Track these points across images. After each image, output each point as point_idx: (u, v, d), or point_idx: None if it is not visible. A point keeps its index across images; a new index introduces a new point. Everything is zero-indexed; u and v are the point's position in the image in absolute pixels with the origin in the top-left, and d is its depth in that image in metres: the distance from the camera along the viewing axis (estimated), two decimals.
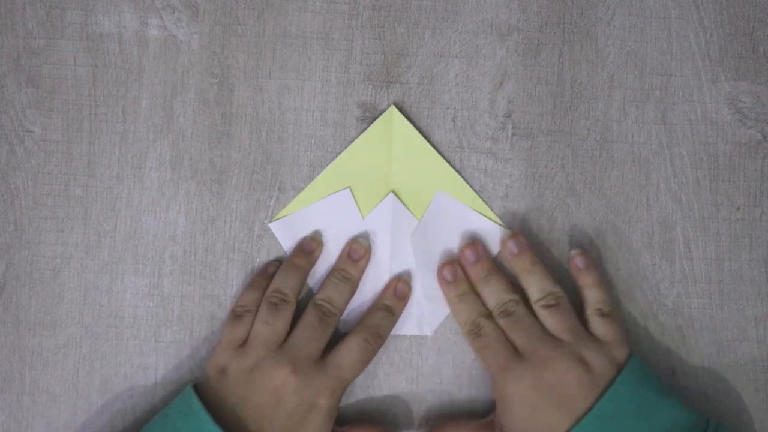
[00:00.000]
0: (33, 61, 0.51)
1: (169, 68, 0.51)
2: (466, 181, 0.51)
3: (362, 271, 0.50)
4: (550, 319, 0.47)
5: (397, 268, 0.50)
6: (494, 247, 0.51)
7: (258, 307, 0.48)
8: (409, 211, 0.50)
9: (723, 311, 0.51)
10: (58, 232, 0.50)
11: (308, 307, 0.48)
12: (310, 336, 0.47)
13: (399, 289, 0.50)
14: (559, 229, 0.51)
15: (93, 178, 0.51)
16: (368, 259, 0.50)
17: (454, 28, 0.51)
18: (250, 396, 0.45)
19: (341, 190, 0.50)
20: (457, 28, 0.51)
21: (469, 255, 0.49)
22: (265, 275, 0.49)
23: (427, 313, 0.50)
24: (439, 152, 0.51)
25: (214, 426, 0.43)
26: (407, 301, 0.50)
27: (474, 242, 0.50)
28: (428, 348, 0.50)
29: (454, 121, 0.51)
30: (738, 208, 0.51)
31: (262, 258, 0.51)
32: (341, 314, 0.49)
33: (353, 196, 0.50)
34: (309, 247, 0.50)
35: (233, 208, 0.51)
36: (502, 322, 0.47)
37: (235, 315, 0.48)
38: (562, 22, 0.52)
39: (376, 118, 0.51)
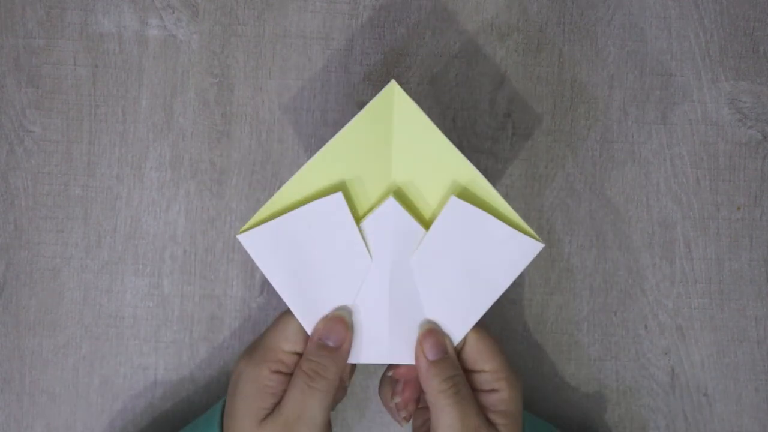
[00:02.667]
0: (33, 61, 0.51)
1: (169, 68, 0.51)
2: (487, 180, 0.42)
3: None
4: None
5: (399, 292, 0.42)
6: (522, 265, 0.42)
7: None
8: (414, 219, 0.42)
9: (723, 311, 0.51)
10: (58, 232, 0.50)
11: None
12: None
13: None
14: (559, 229, 0.51)
15: (93, 178, 0.51)
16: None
17: (454, 28, 0.51)
18: None
19: (332, 194, 0.41)
20: (457, 28, 0.51)
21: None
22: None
23: None
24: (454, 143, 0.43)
25: None
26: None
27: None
28: None
29: (454, 121, 0.51)
30: (738, 208, 0.51)
31: None
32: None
33: (346, 200, 0.41)
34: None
35: (233, 208, 0.51)
36: None
37: None
38: (562, 22, 0.52)
39: None
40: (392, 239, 0.42)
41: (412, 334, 0.42)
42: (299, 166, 0.50)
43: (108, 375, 0.50)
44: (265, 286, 0.51)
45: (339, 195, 0.41)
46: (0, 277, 0.50)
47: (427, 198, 0.42)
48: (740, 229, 0.51)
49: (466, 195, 0.42)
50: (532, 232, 0.41)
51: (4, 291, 0.50)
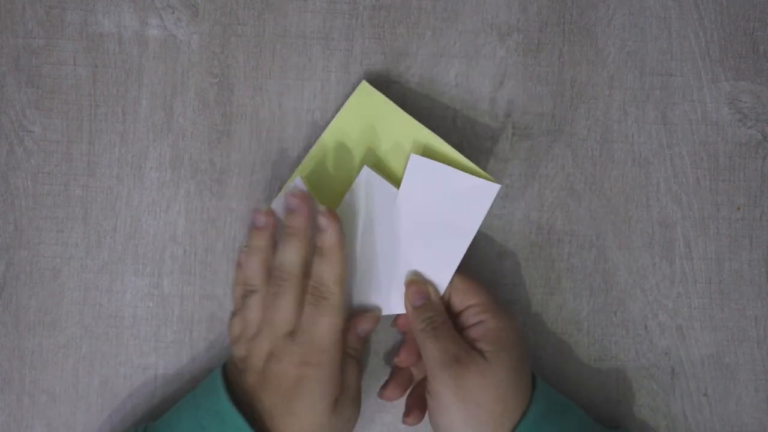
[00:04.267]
0: (33, 61, 0.51)
1: (169, 68, 0.51)
2: (446, 142, 0.48)
3: (306, 219, 0.46)
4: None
5: (385, 245, 0.48)
6: (485, 206, 0.47)
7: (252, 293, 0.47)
8: (388, 182, 0.48)
9: (723, 311, 0.51)
10: (58, 232, 0.50)
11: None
12: (274, 308, 0.45)
13: (298, 209, 0.46)
14: (559, 229, 0.51)
15: (93, 178, 0.51)
16: (309, 206, 0.46)
17: (454, 28, 0.51)
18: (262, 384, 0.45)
19: (295, 179, 0.48)
20: (457, 28, 0.51)
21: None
22: (239, 268, 0.48)
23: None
24: (417, 119, 0.48)
25: (228, 403, 0.43)
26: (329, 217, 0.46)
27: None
28: None
29: (454, 121, 0.51)
30: (738, 208, 0.51)
31: None
32: (301, 275, 0.45)
33: (305, 183, 0.48)
34: (260, 222, 0.47)
35: (233, 208, 0.51)
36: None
37: (232, 314, 0.48)
38: (562, 22, 0.52)
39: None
40: (372, 203, 0.48)
41: (398, 281, 0.48)
42: (299, 165, 0.51)
43: (108, 375, 0.50)
44: None
45: (298, 179, 0.48)
46: (0, 277, 0.50)
47: (398, 167, 0.49)
48: (740, 229, 0.51)
49: (427, 155, 0.48)
50: (488, 176, 0.47)
51: (4, 291, 0.50)
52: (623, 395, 0.51)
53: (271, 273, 0.46)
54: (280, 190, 0.51)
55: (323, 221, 0.45)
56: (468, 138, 0.51)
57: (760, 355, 0.51)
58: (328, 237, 0.45)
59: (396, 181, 0.48)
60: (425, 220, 0.48)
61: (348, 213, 0.48)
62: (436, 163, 0.47)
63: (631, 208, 0.51)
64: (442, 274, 0.47)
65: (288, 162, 0.51)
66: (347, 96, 0.51)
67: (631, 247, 0.51)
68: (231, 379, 0.46)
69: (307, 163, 0.49)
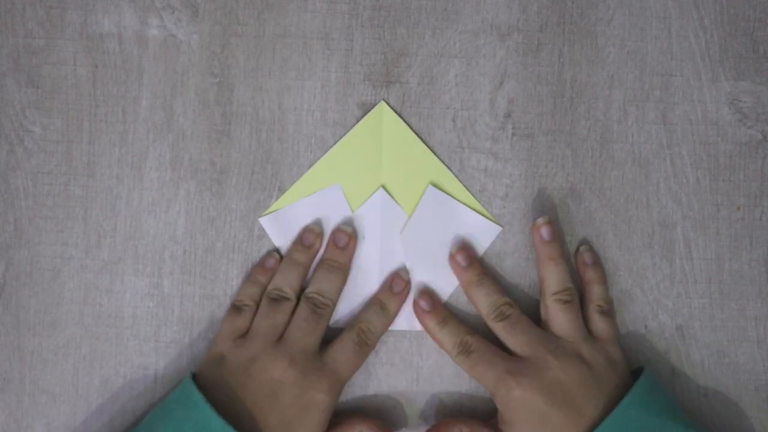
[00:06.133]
0: (33, 61, 0.51)
1: (169, 68, 0.51)
2: (458, 178, 0.51)
3: (350, 257, 0.49)
4: (561, 315, 0.47)
5: (388, 265, 0.50)
6: (486, 244, 0.50)
7: (256, 301, 0.48)
8: (399, 206, 0.50)
9: (723, 311, 0.51)
10: (58, 232, 0.50)
11: (301, 302, 0.48)
12: (304, 329, 0.47)
13: (395, 285, 0.49)
14: (559, 230, 0.51)
15: (93, 178, 0.51)
16: (355, 244, 0.50)
17: (454, 28, 0.51)
18: (247, 386, 0.45)
19: (331, 185, 0.50)
20: (457, 28, 0.51)
21: (460, 259, 0.49)
22: (264, 269, 0.49)
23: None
24: (432, 150, 0.51)
25: (216, 417, 0.43)
26: (405, 297, 0.50)
27: (464, 246, 0.50)
28: (428, 348, 0.50)
29: (454, 121, 0.51)
30: (738, 208, 0.51)
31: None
32: (334, 305, 0.49)
33: (343, 191, 0.50)
34: (308, 240, 0.49)
35: (233, 208, 0.51)
36: (498, 325, 0.47)
37: (235, 308, 0.49)
38: (562, 22, 0.52)
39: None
40: (381, 221, 0.50)
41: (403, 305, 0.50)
42: (299, 166, 0.51)
43: (108, 375, 0.50)
44: None
45: (337, 186, 0.50)
46: (0, 277, 0.50)
47: (409, 193, 0.51)
48: (740, 229, 0.51)
49: (436, 186, 0.51)
50: (492, 217, 0.50)
51: (4, 291, 0.50)
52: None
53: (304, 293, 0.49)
54: (279, 190, 0.51)
55: (343, 239, 0.49)
56: (468, 138, 0.51)
57: (760, 355, 0.51)
58: (342, 255, 0.49)
59: (400, 204, 0.50)
60: (427, 249, 0.50)
61: (357, 228, 0.50)
62: (450, 198, 0.50)
63: (631, 208, 0.51)
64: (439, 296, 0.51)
65: (288, 162, 0.51)
66: (347, 96, 0.51)
67: (631, 247, 0.51)
68: (202, 383, 0.45)
69: (313, 173, 0.51)
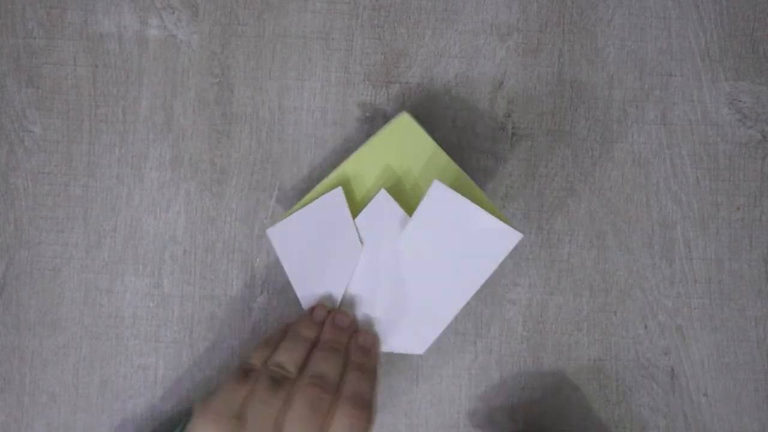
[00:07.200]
0: (33, 61, 0.51)
1: (169, 68, 0.51)
2: (483, 174, 0.47)
3: (348, 338, 0.46)
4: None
5: (387, 275, 0.45)
6: (503, 252, 0.44)
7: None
8: (403, 210, 0.45)
9: (723, 311, 0.51)
10: (58, 232, 0.50)
11: (301, 387, 0.43)
12: (309, 418, 0.42)
13: (361, 340, 0.46)
14: (559, 229, 0.51)
15: (93, 178, 0.51)
16: (354, 327, 0.46)
17: (454, 28, 0.52)
18: None
19: (332, 190, 0.46)
20: (457, 28, 0.52)
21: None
22: (283, 335, 0.47)
23: (420, 327, 0.45)
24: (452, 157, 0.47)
25: None
26: (375, 347, 0.45)
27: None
28: (428, 348, 0.50)
29: (454, 121, 0.51)
30: (738, 208, 0.51)
31: (262, 258, 0.51)
32: (337, 387, 0.43)
33: (353, 204, 0.46)
34: (319, 317, 0.46)
35: (233, 208, 0.51)
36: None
37: (243, 371, 0.44)
38: (562, 22, 0.52)
39: (375, 118, 0.51)
40: (384, 229, 0.45)
41: (402, 318, 0.45)
42: (299, 166, 0.51)
43: (108, 375, 0.50)
44: (265, 286, 0.51)
45: (339, 189, 0.45)
46: (0, 277, 0.50)
47: (419, 197, 0.46)
48: (740, 229, 0.51)
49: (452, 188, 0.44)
50: (512, 223, 0.44)
51: (4, 291, 0.50)
52: (623, 395, 0.51)
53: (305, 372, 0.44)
54: (279, 189, 0.51)
55: (368, 341, 0.45)
56: (468, 138, 0.51)
57: (760, 355, 0.51)
58: (372, 359, 0.45)
59: (410, 211, 0.46)
60: (435, 255, 0.44)
61: (360, 233, 0.46)
62: (459, 195, 0.43)
63: (631, 208, 0.51)
64: (444, 313, 0.45)
65: (288, 162, 0.51)
66: (347, 96, 0.51)
67: (631, 247, 0.51)
68: None
69: (329, 182, 0.47)
